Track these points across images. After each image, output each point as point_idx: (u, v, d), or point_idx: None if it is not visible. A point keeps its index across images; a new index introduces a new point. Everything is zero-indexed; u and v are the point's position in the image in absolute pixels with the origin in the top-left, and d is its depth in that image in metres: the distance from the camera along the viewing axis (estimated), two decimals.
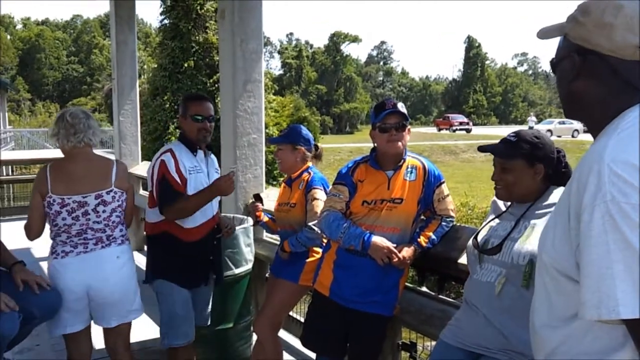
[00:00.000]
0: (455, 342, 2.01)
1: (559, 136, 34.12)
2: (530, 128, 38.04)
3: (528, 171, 1.96)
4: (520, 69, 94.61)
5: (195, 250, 2.84)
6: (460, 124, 45.15)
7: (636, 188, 0.91)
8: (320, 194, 2.87)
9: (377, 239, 2.43)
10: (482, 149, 2.08)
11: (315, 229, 2.77)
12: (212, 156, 3.01)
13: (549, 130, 34.08)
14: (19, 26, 71.95)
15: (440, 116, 57.11)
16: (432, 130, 45.62)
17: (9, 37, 64.84)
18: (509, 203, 2.08)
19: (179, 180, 2.69)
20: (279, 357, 3.16)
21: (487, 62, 77.31)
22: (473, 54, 71.44)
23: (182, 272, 2.82)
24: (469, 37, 72.29)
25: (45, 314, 2.51)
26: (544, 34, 1.22)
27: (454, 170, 25.01)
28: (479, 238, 2.05)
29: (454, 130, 43.97)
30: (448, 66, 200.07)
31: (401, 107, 2.49)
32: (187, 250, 2.81)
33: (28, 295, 2.36)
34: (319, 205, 2.79)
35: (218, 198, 2.97)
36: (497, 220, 2.07)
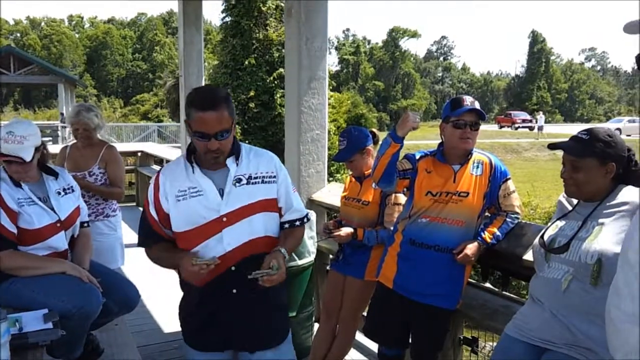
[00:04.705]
0: (520, 336, 2.03)
1: (629, 135, 32.57)
2: (540, 128, 36.04)
3: (600, 170, 1.95)
4: (588, 65, 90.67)
5: (201, 299, 2.02)
6: (523, 121, 43.79)
7: None
8: (401, 198, 2.87)
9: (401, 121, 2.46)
10: (553, 146, 2.08)
11: (391, 228, 2.80)
12: (246, 158, 2.01)
13: (618, 129, 32.58)
14: (87, 25, 75.33)
15: (501, 113, 55.66)
16: (493, 127, 44.48)
17: (76, 35, 68.07)
18: (575, 202, 2.07)
19: (155, 218, 2.00)
20: (347, 351, 3.24)
21: (552, 57, 74.60)
22: (537, 49, 69.09)
23: (184, 325, 2.15)
24: (533, 32, 69.93)
25: (122, 308, 2.69)
26: (631, 28, 1.22)
27: (515, 170, 24.33)
28: (546, 237, 2.05)
29: (516, 128, 42.73)
30: (511, 62, 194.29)
31: (477, 105, 2.52)
32: (193, 298, 2.07)
33: (107, 291, 2.50)
34: (398, 211, 2.82)
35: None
36: (563, 220, 2.07)
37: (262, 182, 1.99)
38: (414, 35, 68.74)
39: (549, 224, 2.13)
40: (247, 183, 1.96)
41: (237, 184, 1.94)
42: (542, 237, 2.07)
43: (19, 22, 70.93)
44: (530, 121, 42.71)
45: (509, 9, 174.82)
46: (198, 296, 2.00)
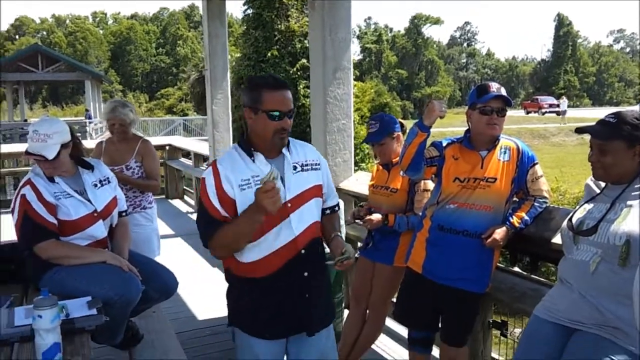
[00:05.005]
0: (550, 317, 2.06)
1: None
2: (563, 113, 35.22)
3: (628, 152, 1.96)
4: (617, 47, 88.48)
5: (266, 289, 2.03)
6: (550, 106, 43.02)
7: None
8: (430, 185, 2.91)
9: (427, 111, 2.50)
10: (579, 130, 2.09)
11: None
12: (293, 148, 2.09)
13: None
14: (110, 21, 76.30)
15: (528, 98, 54.78)
16: (520, 113, 43.83)
17: (101, 32, 68.97)
18: (602, 185, 2.08)
19: (219, 208, 1.96)
20: (378, 336, 3.30)
21: (579, 40, 72.96)
22: (563, 32, 67.63)
23: (250, 317, 2.09)
24: (558, 15, 68.45)
25: (161, 295, 2.79)
26: None
27: (543, 155, 23.97)
28: (574, 220, 2.07)
29: (543, 113, 42.05)
30: (537, 46, 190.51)
31: (504, 92, 2.54)
32: (261, 289, 2.04)
33: (147, 278, 2.60)
34: (427, 197, 2.86)
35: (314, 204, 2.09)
36: (591, 203, 2.08)
37: (312, 169, 2.09)
38: (437, 22, 67.97)
39: (577, 207, 2.14)
40: (302, 170, 2.06)
41: (294, 171, 2.03)
42: (570, 220, 2.09)
43: (45, 21, 72.29)
44: (558, 106, 41.96)
45: None
46: (268, 285, 2.01)
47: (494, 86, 2.53)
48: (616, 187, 2.00)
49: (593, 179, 2.13)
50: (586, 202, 2.11)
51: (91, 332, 2.09)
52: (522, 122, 34.42)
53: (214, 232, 1.95)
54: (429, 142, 2.63)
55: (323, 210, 2.17)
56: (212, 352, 3.56)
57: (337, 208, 2.25)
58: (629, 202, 1.92)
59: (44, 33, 68.63)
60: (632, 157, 1.96)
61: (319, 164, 2.13)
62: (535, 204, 2.58)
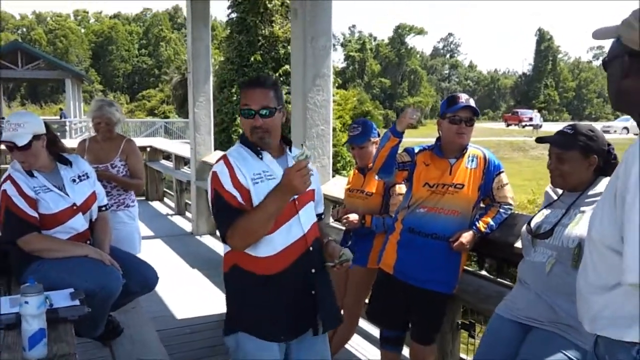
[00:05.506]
0: (510, 315, 2.20)
1: (636, 134, 32.42)
2: (538, 126, 35.75)
3: (583, 162, 2.11)
4: (596, 63, 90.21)
5: (278, 287, 2.03)
6: (530, 119, 43.61)
7: None
8: (403, 189, 3.02)
9: (401, 117, 2.64)
10: (540, 140, 2.25)
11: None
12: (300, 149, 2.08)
13: (625, 128, 32.51)
14: (92, 20, 75.62)
15: (508, 111, 55.62)
16: (500, 125, 44.45)
17: (82, 30, 68.29)
18: (560, 192, 2.24)
19: (236, 195, 1.96)
20: (351, 336, 3.41)
21: (560, 55, 74.40)
22: (544, 47, 68.97)
23: (262, 318, 2.05)
24: (539, 30, 69.83)
25: (142, 289, 2.88)
26: (599, 35, 1.40)
27: (522, 168, 24.43)
28: (532, 224, 2.23)
29: (523, 126, 42.72)
30: (518, 60, 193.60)
31: (472, 103, 2.70)
32: (269, 286, 2.03)
33: (127, 272, 2.69)
34: (400, 201, 2.98)
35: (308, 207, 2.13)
36: (549, 208, 2.24)
37: (310, 174, 2.06)
38: (420, 32, 68.72)
39: (537, 212, 2.30)
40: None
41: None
42: (529, 224, 2.24)
43: (25, 17, 71.43)
44: (531, 119, 42.59)
45: (516, 7, 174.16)
46: (281, 282, 2.01)
47: (463, 97, 2.69)
48: (572, 194, 2.16)
49: (552, 186, 2.29)
50: (544, 207, 2.27)
51: (74, 322, 2.17)
52: (503, 135, 34.97)
53: (234, 220, 1.91)
54: (402, 149, 2.77)
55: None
56: (192, 350, 3.63)
57: (323, 216, 2.30)
58: (582, 208, 2.08)
59: (24, 30, 67.80)
60: (587, 167, 2.12)
61: (312, 170, 2.05)
62: (501, 210, 2.73)
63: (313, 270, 2.06)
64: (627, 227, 1.15)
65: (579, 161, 2.11)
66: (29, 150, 2.62)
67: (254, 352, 2.00)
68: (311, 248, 2.06)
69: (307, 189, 1.92)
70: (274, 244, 1.99)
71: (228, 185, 1.96)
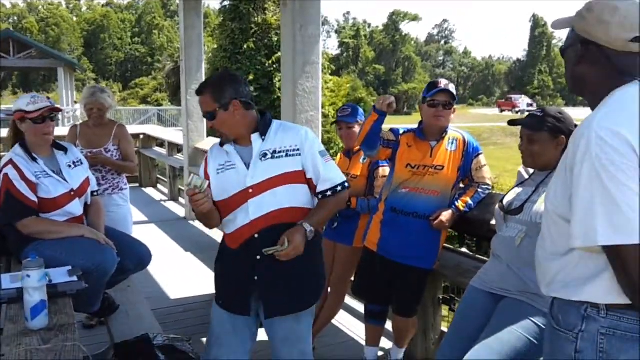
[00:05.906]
0: (483, 287, 2.34)
1: None
2: (522, 112, 35.54)
3: (552, 142, 2.24)
4: None
5: (231, 262, 2.27)
6: (530, 105, 43.52)
7: (615, 149, 1.22)
8: (386, 171, 3.13)
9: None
10: (512, 122, 2.38)
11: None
12: (273, 134, 2.20)
13: None
14: (84, 8, 75.05)
15: (503, 97, 55.81)
16: (494, 111, 44.61)
17: (74, 18, 67.76)
18: (531, 172, 2.37)
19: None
20: (337, 312, 3.55)
21: (554, 41, 74.46)
22: (538, 32, 69.05)
23: (217, 284, 2.36)
24: (534, 16, 69.84)
25: (137, 266, 3.00)
26: (557, 25, 1.54)
27: (513, 153, 24.43)
28: (505, 201, 2.36)
29: (517, 112, 42.88)
30: (512, 46, 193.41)
31: (452, 87, 2.82)
32: (225, 260, 2.32)
33: (122, 250, 2.81)
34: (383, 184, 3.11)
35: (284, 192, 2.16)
36: (521, 187, 2.37)
37: (286, 155, 2.15)
38: (415, 18, 68.69)
39: (509, 190, 2.43)
40: (272, 157, 2.14)
41: (263, 159, 2.14)
42: (501, 201, 2.38)
43: (16, 6, 70.86)
44: (532, 105, 42.69)
45: None
46: (231, 260, 2.26)
47: (443, 82, 2.82)
48: (542, 173, 2.29)
49: (524, 166, 2.42)
50: (516, 186, 2.40)
51: (72, 296, 2.29)
52: (497, 121, 35.10)
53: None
54: (389, 128, 2.90)
55: (317, 195, 2.21)
56: (185, 327, 3.77)
57: (329, 193, 2.19)
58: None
59: (16, 18, 67.21)
60: (555, 147, 2.24)
61: (297, 149, 2.15)
62: (479, 190, 2.87)
63: (258, 257, 2.12)
64: (574, 197, 1.28)
65: (548, 142, 2.24)
66: (54, 122, 2.85)
67: (213, 317, 2.32)
68: (257, 235, 2.13)
69: (270, 176, 2.12)
70: (229, 225, 2.23)
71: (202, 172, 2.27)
